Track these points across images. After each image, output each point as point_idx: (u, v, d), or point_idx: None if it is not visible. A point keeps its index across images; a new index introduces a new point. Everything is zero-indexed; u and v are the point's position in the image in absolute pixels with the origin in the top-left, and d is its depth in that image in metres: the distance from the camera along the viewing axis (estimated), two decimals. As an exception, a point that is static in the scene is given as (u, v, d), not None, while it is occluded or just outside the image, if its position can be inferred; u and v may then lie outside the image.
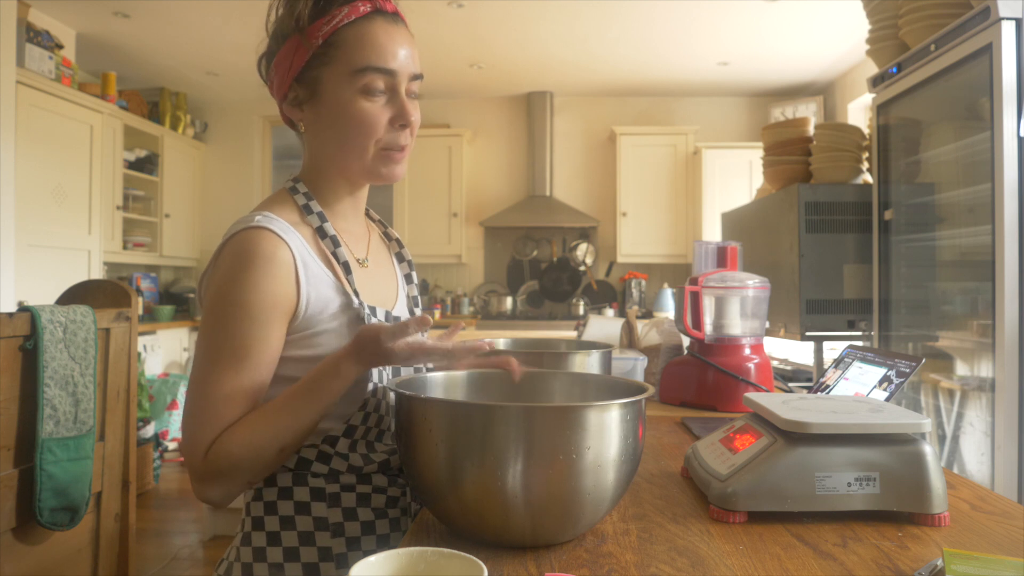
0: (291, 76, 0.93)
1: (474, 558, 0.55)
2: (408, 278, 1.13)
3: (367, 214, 1.12)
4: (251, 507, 0.93)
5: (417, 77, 0.95)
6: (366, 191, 1.04)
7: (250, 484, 0.86)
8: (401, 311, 1.06)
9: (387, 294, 1.04)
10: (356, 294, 0.94)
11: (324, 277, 0.92)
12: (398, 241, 1.15)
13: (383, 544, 0.93)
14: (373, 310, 0.95)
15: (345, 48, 0.90)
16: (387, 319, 0.97)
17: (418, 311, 1.11)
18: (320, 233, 0.95)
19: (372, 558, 0.55)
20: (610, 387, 0.87)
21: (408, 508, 0.96)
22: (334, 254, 0.94)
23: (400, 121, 0.93)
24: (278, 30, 0.94)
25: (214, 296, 0.86)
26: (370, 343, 0.82)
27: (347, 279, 0.94)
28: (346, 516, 0.91)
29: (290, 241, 0.89)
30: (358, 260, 1.01)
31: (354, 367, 0.83)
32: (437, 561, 0.56)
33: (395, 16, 0.94)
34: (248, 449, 0.82)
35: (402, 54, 0.92)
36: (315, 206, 0.96)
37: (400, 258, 1.14)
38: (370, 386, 0.91)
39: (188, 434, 0.84)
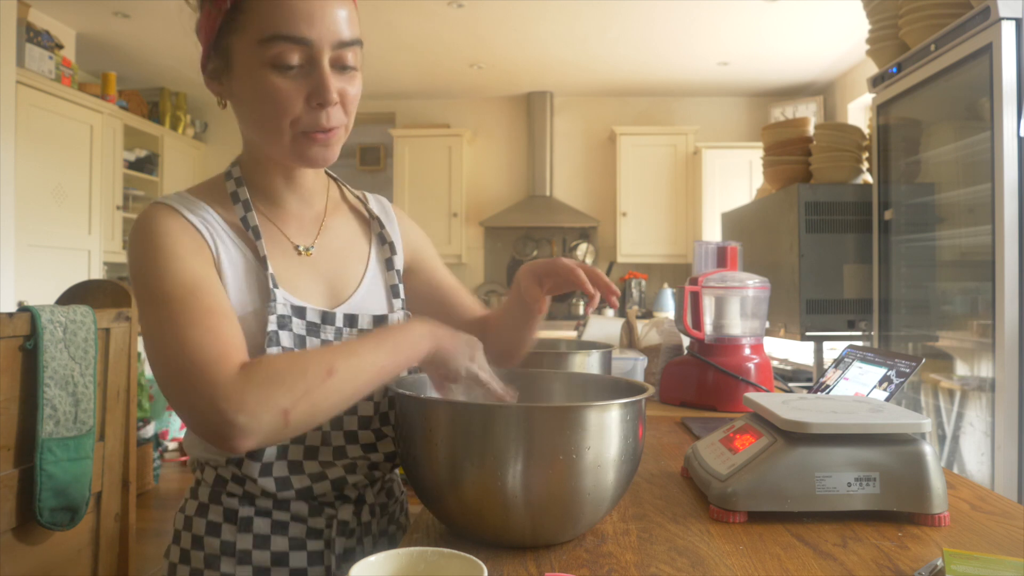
0: (206, 41, 0.82)
1: (474, 558, 0.55)
2: (388, 263, 0.98)
3: (343, 191, 1.01)
4: (176, 518, 0.89)
5: (347, 44, 0.80)
6: (308, 173, 0.92)
7: (286, 417, 0.68)
8: (360, 306, 0.92)
9: (339, 286, 0.92)
10: (275, 286, 0.83)
11: (240, 260, 0.84)
12: (379, 221, 1.00)
13: None
14: (302, 311, 0.85)
15: (252, 13, 0.77)
16: (324, 320, 0.87)
17: (398, 302, 0.96)
18: (244, 223, 0.86)
19: (372, 558, 0.55)
20: (610, 387, 0.87)
21: (332, 542, 0.85)
22: (255, 246, 0.85)
23: (317, 99, 0.79)
24: None
25: (136, 262, 0.78)
26: (452, 343, 0.80)
27: (267, 274, 0.84)
28: (256, 543, 0.83)
29: (192, 218, 0.82)
30: (298, 248, 0.90)
31: (427, 338, 0.78)
32: (437, 561, 0.56)
33: None
34: (292, 361, 0.70)
35: (322, 17, 0.77)
36: (243, 193, 0.87)
37: (381, 240, 0.99)
38: None
39: (201, 363, 0.69)
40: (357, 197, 1.02)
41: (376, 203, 1.04)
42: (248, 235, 0.86)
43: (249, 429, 0.67)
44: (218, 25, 0.79)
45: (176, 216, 0.81)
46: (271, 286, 0.83)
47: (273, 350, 0.80)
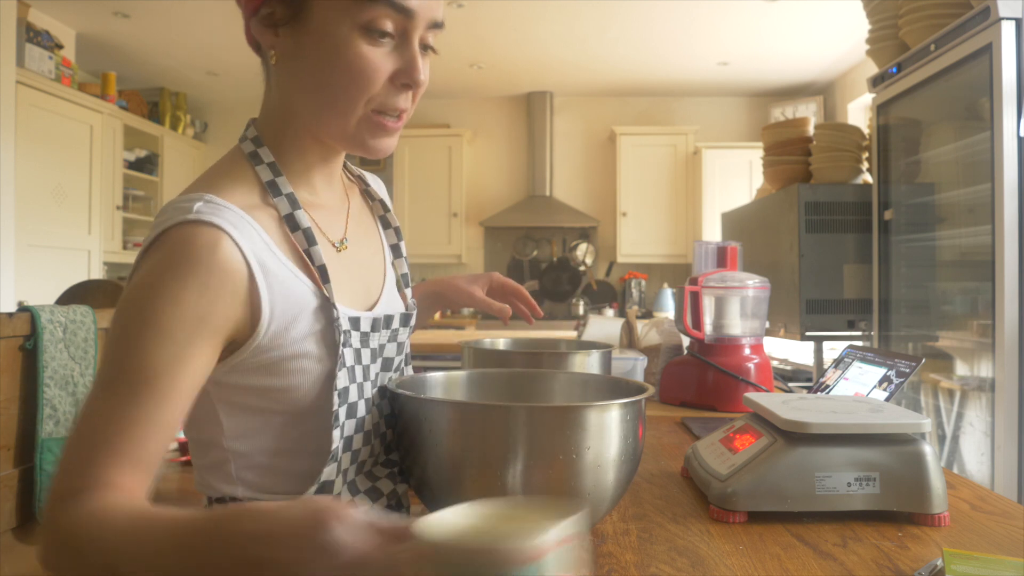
0: None
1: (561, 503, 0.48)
2: (396, 250, 0.90)
3: (344, 168, 0.90)
4: None
5: (437, 25, 0.72)
6: (342, 155, 0.82)
7: None
8: (387, 307, 0.84)
9: (371, 282, 0.84)
10: (335, 307, 0.73)
11: (292, 281, 0.71)
12: (382, 203, 0.92)
13: None
14: (356, 322, 0.76)
15: None
16: (373, 327, 0.78)
17: (408, 292, 0.91)
18: (290, 223, 0.73)
19: (442, 512, 0.47)
20: (610, 387, 0.87)
21: None
22: (307, 252, 0.73)
23: (404, 78, 0.71)
24: None
25: (124, 303, 0.65)
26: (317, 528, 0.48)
27: (326, 287, 0.73)
28: None
29: (242, 241, 0.68)
30: (335, 244, 0.80)
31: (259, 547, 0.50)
32: (516, 510, 0.48)
33: None
34: (104, 547, 0.56)
35: None
36: (284, 184, 0.74)
37: (385, 223, 0.91)
38: (336, 436, 0.72)
39: (60, 468, 0.61)
40: (358, 176, 0.93)
41: (375, 183, 0.95)
42: (292, 238, 0.73)
43: (41, 551, 0.60)
44: None
45: (216, 250, 0.66)
46: (331, 301, 0.73)
47: (341, 375, 0.72)
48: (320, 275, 0.73)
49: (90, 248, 4.41)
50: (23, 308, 1.51)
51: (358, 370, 0.76)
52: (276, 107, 0.76)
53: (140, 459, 0.62)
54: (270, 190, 0.74)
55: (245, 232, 0.68)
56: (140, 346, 0.63)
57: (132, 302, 0.65)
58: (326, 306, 0.73)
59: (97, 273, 4.47)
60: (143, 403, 0.62)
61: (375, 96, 0.71)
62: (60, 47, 4.13)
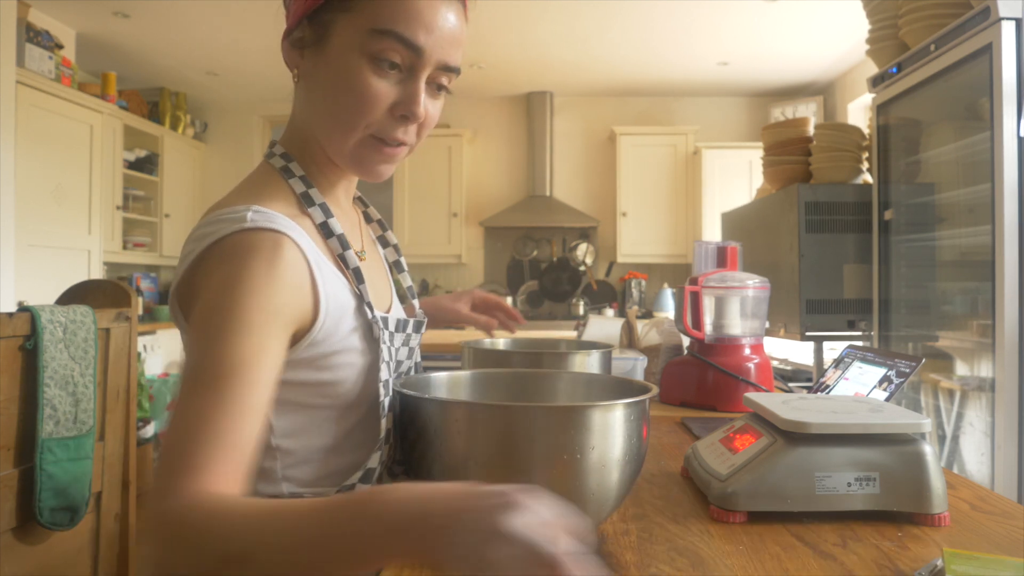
0: (304, 10, 0.76)
1: None
2: (398, 265, 0.98)
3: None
4: None
5: (450, 69, 0.77)
6: None
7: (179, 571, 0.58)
8: (398, 312, 0.92)
9: (383, 291, 0.91)
10: (370, 307, 0.79)
11: (338, 283, 0.78)
12: (380, 223, 0.99)
13: None
14: (385, 321, 0.81)
15: None
16: (397, 327, 0.84)
17: (416, 303, 0.98)
18: (324, 231, 0.79)
19: None
20: (614, 387, 0.87)
21: None
22: (342, 257, 0.79)
23: (403, 110, 0.75)
24: None
25: (204, 305, 0.68)
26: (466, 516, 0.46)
27: (360, 287, 0.79)
28: None
29: (300, 240, 0.73)
30: (357, 253, 0.86)
31: (398, 548, 0.49)
32: None
33: None
34: (228, 530, 0.55)
35: (440, 31, 0.74)
36: (316, 195, 0.80)
37: (384, 242, 0.99)
38: (383, 424, 0.77)
39: (157, 479, 0.61)
40: (358, 197, 0.99)
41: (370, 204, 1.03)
42: (328, 243, 0.79)
43: (154, 549, 0.58)
44: None
45: (281, 249, 0.70)
46: (367, 303, 0.79)
47: (383, 367, 0.78)
48: (356, 277, 0.79)
49: (90, 248, 4.41)
50: (23, 308, 1.51)
51: (392, 365, 0.82)
52: (300, 125, 0.83)
53: (238, 445, 0.63)
54: (304, 201, 0.80)
55: (298, 234, 0.73)
56: (225, 339, 0.65)
57: (210, 301, 0.67)
58: (362, 305, 0.79)
59: (97, 273, 4.47)
60: (236, 391, 0.63)
61: (373, 122, 0.76)
62: (60, 47, 4.13)
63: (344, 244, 0.79)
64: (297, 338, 0.73)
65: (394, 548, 0.49)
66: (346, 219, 0.88)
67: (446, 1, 0.75)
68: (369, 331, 0.79)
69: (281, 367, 0.70)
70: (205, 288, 0.69)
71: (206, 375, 0.64)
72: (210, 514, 0.56)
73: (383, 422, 0.76)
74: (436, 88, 0.78)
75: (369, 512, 0.51)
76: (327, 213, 0.80)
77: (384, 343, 0.80)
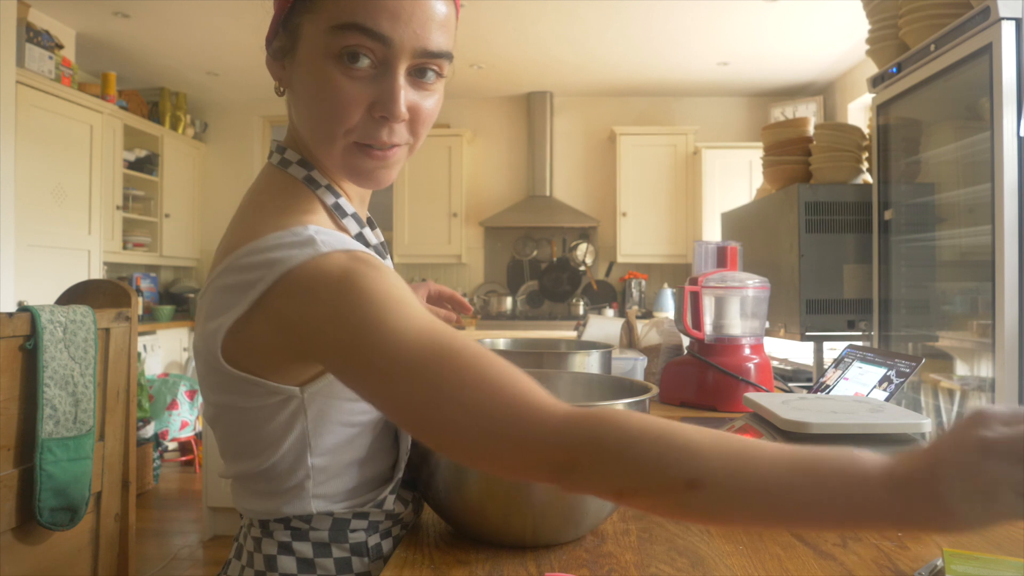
0: (278, 16, 0.71)
1: None
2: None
3: None
4: (279, 561, 0.73)
5: (432, 55, 0.68)
6: None
7: (613, 498, 0.55)
8: None
9: None
10: None
11: None
12: (370, 220, 0.93)
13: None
14: None
15: None
16: None
17: None
18: (361, 241, 0.75)
19: None
20: (615, 387, 0.87)
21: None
22: None
23: (381, 110, 0.67)
24: None
25: (348, 334, 0.61)
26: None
27: None
28: (373, 554, 0.77)
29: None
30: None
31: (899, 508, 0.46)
32: None
33: None
34: (653, 441, 0.51)
35: (410, 17, 0.66)
36: (346, 205, 0.76)
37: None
38: None
39: (526, 398, 0.56)
40: None
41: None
42: None
43: (573, 479, 0.54)
44: (292, 1, 0.69)
45: (380, 264, 0.66)
46: None
47: None
48: None
49: (90, 248, 4.41)
50: (23, 308, 1.51)
51: None
52: (296, 137, 0.77)
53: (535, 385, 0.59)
54: (336, 212, 0.75)
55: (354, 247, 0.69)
56: (406, 320, 0.60)
57: (349, 324, 0.60)
58: None
59: (97, 273, 4.47)
60: (472, 344, 0.60)
61: (353, 128, 0.68)
62: (60, 47, 4.13)
63: (381, 254, 0.77)
64: None
65: (893, 503, 0.46)
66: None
67: None
68: None
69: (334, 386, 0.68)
70: (330, 319, 0.61)
71: (443, 354, 0.59)
72: (622, 423, 0.53)
73: (408, 437, 0.74)
74: (421, 77, 0.69)
75: (860, 467, 0.48)
76: (360, 223, 0.76)
77: None
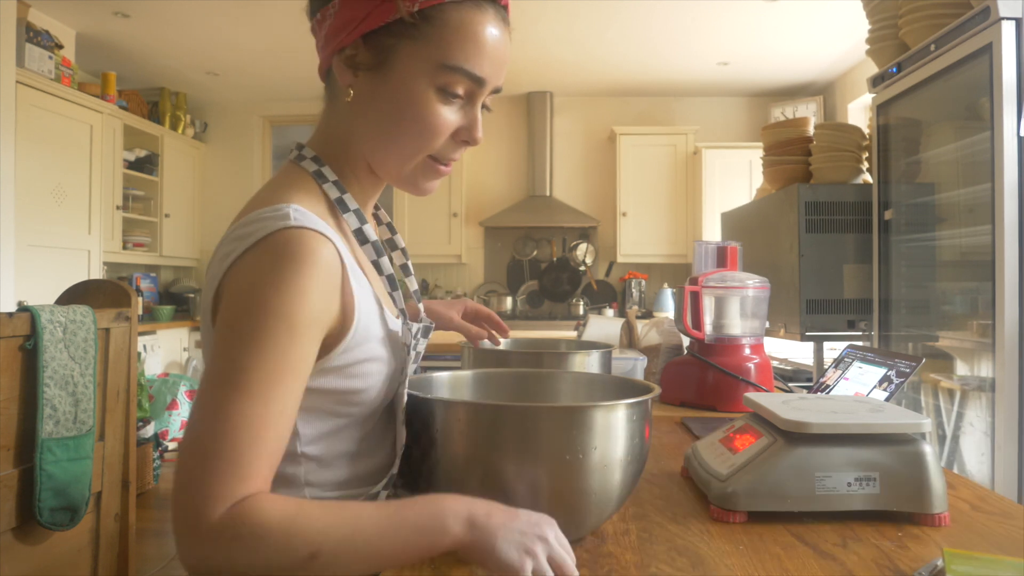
0: (361, 31, 0.75)
1: None
2: (405, 268, 0.98)
3: None
4: None
5: (497, 90, 0.81)
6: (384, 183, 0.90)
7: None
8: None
9: (396, 295, 0.91)
10: (404, 313, 0.81)
11: (367, 290, 0.78)
12: (389, 226, 0.98)
13: None
14: (415, 329, 0.82)
15: (442, 31, 0.74)
16: (413, 335, 0.82)
17: (421, 306, 0.99)
18: (359, 237, 0.80)
19: None
20: (616, 387, 0.87)
21: None
22: (376, 264, 0.80)
23: (466, 136, 0.80)
24: None
25: (245, 302, 0.67)
26: (496, 529, 0.62)
27: (392, 295, 0.81)
28: None
29: (338, 244, 0.73)
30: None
31: (460, 524, 0.62)
32: None
33: (505, 13, 0.80)
34: (282, 528, 0.60)
35: (500, 64, 0.79)
36: (350, 201, 0.81)
37: (392, 246, 0.98)
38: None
39: (194, 482, 0.62)
40: None
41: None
42: (361, 250, 0.81)
43: (195, 563, 0.62)
44: (387, 20, 0.74)
45: (323, 251, 0.71)
46: (401, 310, 0.81)
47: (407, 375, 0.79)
48: (389, 283, 0.81)
49: (90, 248, 4.41)
50: (23, 308, 1.51)
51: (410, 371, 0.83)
52: (339, 135, 0.82)
53: (277, 452, 0.66)
54: (339, 206, 0.80)
55: (336, 238, 0.74)
56: (271, 341, 0.65)
57: (256, 299, 0.66)
58: (384, 313, 0.79)
59: (97, 273, 4.47)
60: (281, 398, 0.65)
61: (437, 148, 0.79)
62: (60, 47, 4.13)
63: (379, 251, 0.80)
64: (330, 345, 0.73)
65: (454, 537, 0.61)
66: (371, 224, 0.88)
67: (504, 31, 0.79)
68: (393, 339, 0.80)
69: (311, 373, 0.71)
70: (249, 287, 0.68)
71: (248, 376, 0.64)
72: (282, 517, 0.61)
73: (402, 428, 0.76)
74: (484, 110, 0.82)
75: (437, 506, 0.63)
76: (361, 220, 0.80)
77: (413, 350, 0.81)
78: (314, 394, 0.74)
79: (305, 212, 0.73)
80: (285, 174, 0.81)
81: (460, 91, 0.76)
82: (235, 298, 0.68)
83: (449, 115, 0.77)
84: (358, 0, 0.75)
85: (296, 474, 0.77)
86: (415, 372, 0.91)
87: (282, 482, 0.76)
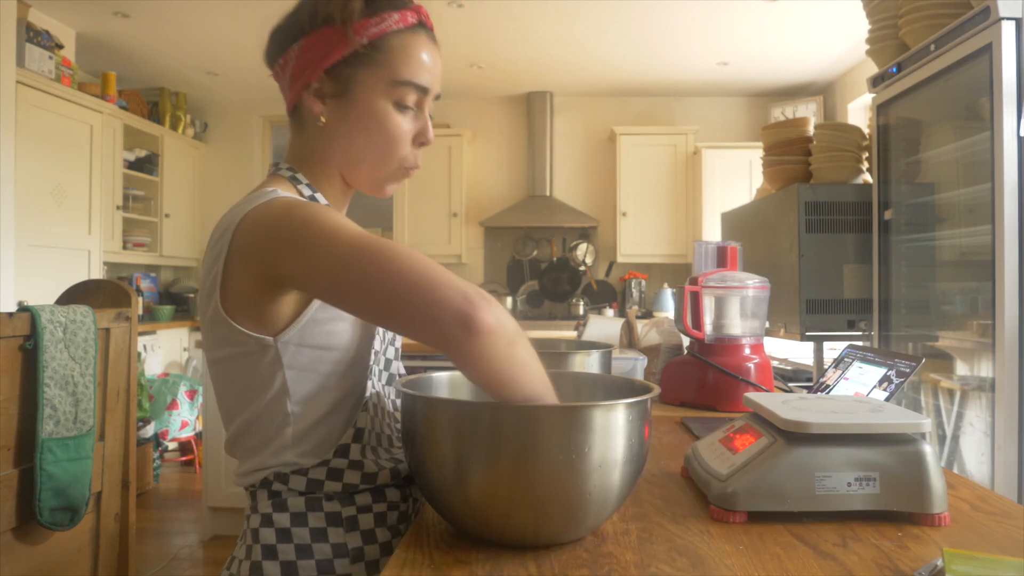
0: (323, 66, 0.88)
1: None
2: None
3: None
4: (260, 533, 0.84)
5: (437, 97, 0.95)
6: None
7: (511, 347, 0.73)
8: None
9: None
10: None
11: None
12: None
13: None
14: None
15: (390, 55, 0.88)
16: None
17: None
18: None
19: None
20: (616, 387, 0.87)
21: (409, 518, 0.92)
22: None
23: (422, 139, 0.93)
24: (316, 13, 0.88)
25: (284, 232, 0.79)
26: None
27: None
28: (365, 539, 0.86)
29: None
30: None
31: None
32: None
33: (433, 34, 0.95)
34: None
35: (437, 72, 0.93)
36: (322, 199, 0.93)
37: None
38: (369, 386, 0.89)
39: (447, 298, 0.71)
40: None
41: None
42: None
43: (489, 324, 0.70)
44: (344, 54, 0.87)
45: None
46: None
47: (377, 336, 0.90)
48: None
49: (90, 248, 4.41)
50: (23, 308, 1.51)
51: (382, 338, 0.93)
52: (312, 152, 0.94)
53: None
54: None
55: None
56: (340, 223, 0.78)
57: (289, 225, 0.79)
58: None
59: (97, 273, 4.47)
60: (397, 242, 0.77)
61: (404, 155, 0.92)
62: (60, 47, 4.13)
63: None
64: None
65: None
66: None
67: (434, 47, 0.93)
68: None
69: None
70: (273, 226, 0.79)
71: (365, 242, 0.75)
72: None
73: (369, 384, 0.88)
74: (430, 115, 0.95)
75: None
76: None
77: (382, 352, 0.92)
78: (302, 349, 0.84)
79: (290, 195, 0.85)
80: (265, 181, 0.95)
81: (411, 102, 0.90)
82: (266, 242, 0.80)
83: (405, 124, 0.91)
84: (317, 42, 0.88)
85: (285, 434, 0.85)
86: (396, 356, 0.98)
87: (272, 443, 0.85)
